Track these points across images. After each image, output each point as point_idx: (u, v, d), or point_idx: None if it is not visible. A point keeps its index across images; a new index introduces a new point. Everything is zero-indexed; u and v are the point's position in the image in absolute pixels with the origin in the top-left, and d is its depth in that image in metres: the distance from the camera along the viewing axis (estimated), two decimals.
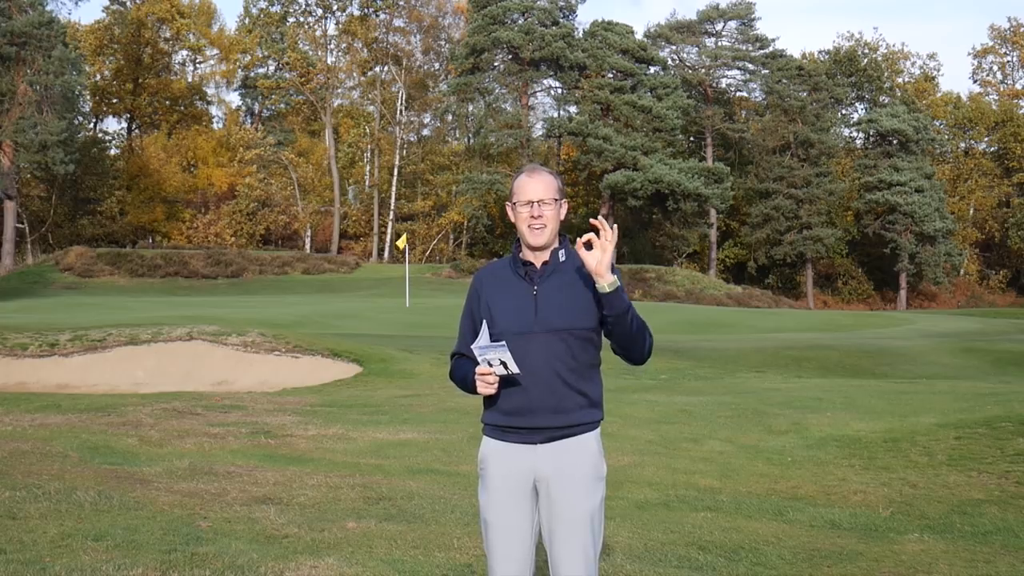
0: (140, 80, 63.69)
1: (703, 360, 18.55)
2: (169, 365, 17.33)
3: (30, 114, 46.13)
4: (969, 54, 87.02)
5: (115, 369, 17.23)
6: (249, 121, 70.47)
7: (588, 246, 3.29)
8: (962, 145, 70.08)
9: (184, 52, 68.51)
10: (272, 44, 63.84)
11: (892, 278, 60.46)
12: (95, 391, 15.83)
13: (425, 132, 69.35)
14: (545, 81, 58.82)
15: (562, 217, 3.47)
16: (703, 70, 64.95)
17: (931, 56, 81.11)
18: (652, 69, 58.76)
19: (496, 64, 56.54)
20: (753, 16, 64.57)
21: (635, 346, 3.39)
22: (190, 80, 69.20)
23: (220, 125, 68.87)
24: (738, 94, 67.59)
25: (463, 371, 3.49)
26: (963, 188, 67.33)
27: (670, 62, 63.66)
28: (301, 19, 65.71)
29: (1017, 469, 8.16)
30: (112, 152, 63.43)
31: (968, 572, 5.38)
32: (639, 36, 59.52)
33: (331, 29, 65.95)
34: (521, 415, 3.37)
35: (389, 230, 61.53)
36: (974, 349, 21.02)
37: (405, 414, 11.49)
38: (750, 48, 64.27)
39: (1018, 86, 73.40)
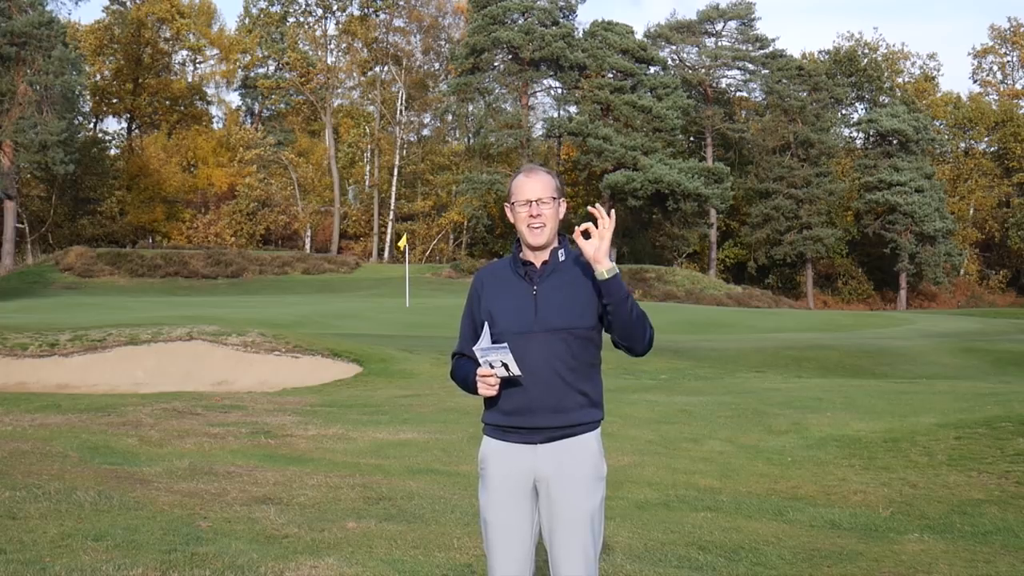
0: (140, 80, 63.70)
1: (703, 360, 18.55)
2: (169, 365, 17.33)
3: (30, 114, 46.14)
4: (969, 54, 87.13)
5: (115, 369, 17.24)
6: (249, 121, 70.49)
7: (586, 235, 3.31)
8: (962, 145, 70.10)
9: (184, 52, 68.56)
10: (272, 44, 63.85)
11: (892, 278, 60.47)
12: (95, 391, 15.83)
13: (425, 132, 69.45)
14: (545, 81, 58.82)
15: (561, 216, 3.47)
16: (703, 70, 64.96)
17: (931, 56, 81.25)
18: (652, 69, 58.78)
19: (496, 64, 56.54)
20: (753, 16, 64.60)
21: (636, 336, 3.38)
22: (190, 80, 69.21)
23: (220, 125, 68.91)
24: (738, 94, 67.62)
25: (464, 371, 3.50)
26: (963, 188, 67.35)
27: (670, 62, 63.67)
28: (301, 19, 65.74)
29: (1017, 469, 8.16)
30: (112, 152, 63.46)
31: (968, 572, 5.37)
32: (639, 36, 59.56)
33: (331, 29, 66.08)
34: (521, 415, 3.37)
35: (389, 230, 61.54)
36: (974, 349, 21.02)
37: (405, 414, 11.49)
38: (750, 48, 64.27)
39: (1018, 86, 73.42)
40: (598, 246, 3.29)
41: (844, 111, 67.07)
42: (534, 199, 3.42)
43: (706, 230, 59.24)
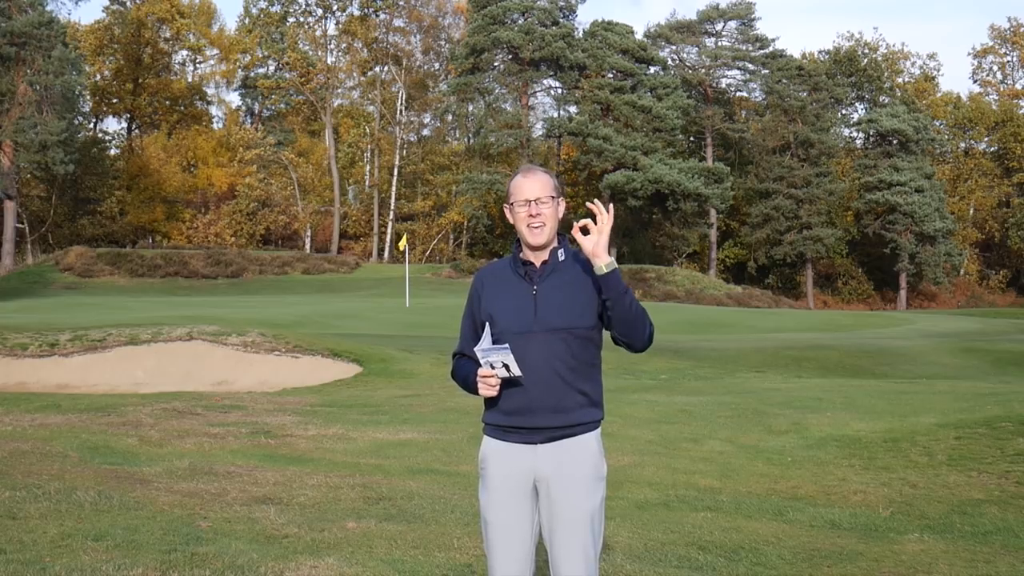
0: (140, 80, 63.70)
1: (703, 360, 18.55)
2: (169, 365, 17.33)
3: (30, 114, 46.14)
4: (969, 54, 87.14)
5: (115, 369, 17.24)
6: (249, 121, 70.49)
7: (584, 231, 3.32)
8: (962, 145, 70.09)
9: (184, 52, 68.56)
10: (272, 44, 63.86)
11: (892, 278, 60.47)
12: (95, 391, 15.84)
13: (425, 132, 69.45)
14: (545, 81, 58.83)
15: (560, 215, 3.47)
16: (703, 70, 64.96)
17: (931, 56, 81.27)
18: (652, 69, 58.79)
19: (496, 64, 56.55)
20: (753, 16, 64.60)
21: (635, 330, 3.37)
22: (190, 80, 69.21)
23: (220, 125, 68.92)
24: (738, 94, 67.62)
25: (464, 371, 3.50)
26: (963, 188, 67.35)
27: (670, 62, 63.68)
28: (301, 19, 65.74)
29: (1017, 469, 8.16)
30: (112, 152, 63.48)
31: (968, 572, 5.37)
32: (639, 36, 59.57)
33: (331, 29, 66.08)
34: (522, 415, 3.37)
35: (389, 230, 61.54)
36: (974, 349, 21.03)
37: (405, 414, 11.49)
38: (750, 48, 64.28)
39: (1018, 86, 73.42)
40: (596, 240, 3.30)
41: (844, 111, 67.08)
42: (533, 199, 3.42)
43: (706, 230, 59.25)
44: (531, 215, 3.41)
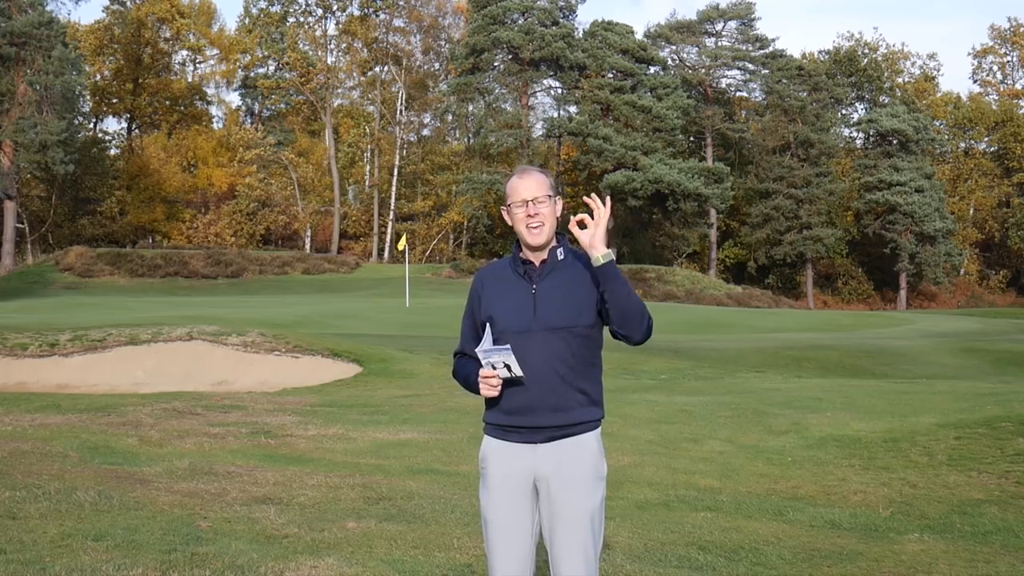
0: (140, 80, 63.70)
1: (703, 360, 18.54)
2: (169, 365, 17.33)
3: (30, 114, 46.14)
4: (969, 54, 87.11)
5: (115, 369, 17.24)
6: (249, 121, 70.49)
7: (581, 226, 3.33)
8: (962, 145, 70.10)
9: (184, 52, 68.56)
10: (272, 44, 63.86)
11: (892, 278, 60.48)
12: (95, 391, 15.83)
13: (425, 132, 69.46)
14: (545, 81, 58.82)
15: (558, 214, 3.47)
16: (703, 70, 64.97)
17: (931, 56, 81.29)
18: (652, 69, 58.78)
19: (496, 64, 56.54)
20: (753, 16, 64.62)
21: (634, 323, 3.36)
22: (190, 80, 69.22)
23: (220, 125, 68.92)
24: (738, 94, 67.63)
25: (465, 371, 3.50)
26: (963, 188, 67.35)
27: (670, 62, 63.67)
28: (301, 19, 65.75)
29: (1017, 469, 8.15)
30: (112, 152, 63.47)
31: (968, 572, 5.37)
32: (639, 36, 59.57)
33: (331, 29, 66.09)
34: (522, 414, 3.37)
35: (389, 230, 61.54)
36: (974, 349, 21.03)
37: (405, 414, 11.49)
38: (750, 48, 64.29)
39: (1018, 86, 73.42)
40: (593, 233, 3.31)
41: (844, 111, 67.09)
42: (530, 199, 3.42)
43: (706, 230, 59.25)
44: (529, 215, 3.41)
